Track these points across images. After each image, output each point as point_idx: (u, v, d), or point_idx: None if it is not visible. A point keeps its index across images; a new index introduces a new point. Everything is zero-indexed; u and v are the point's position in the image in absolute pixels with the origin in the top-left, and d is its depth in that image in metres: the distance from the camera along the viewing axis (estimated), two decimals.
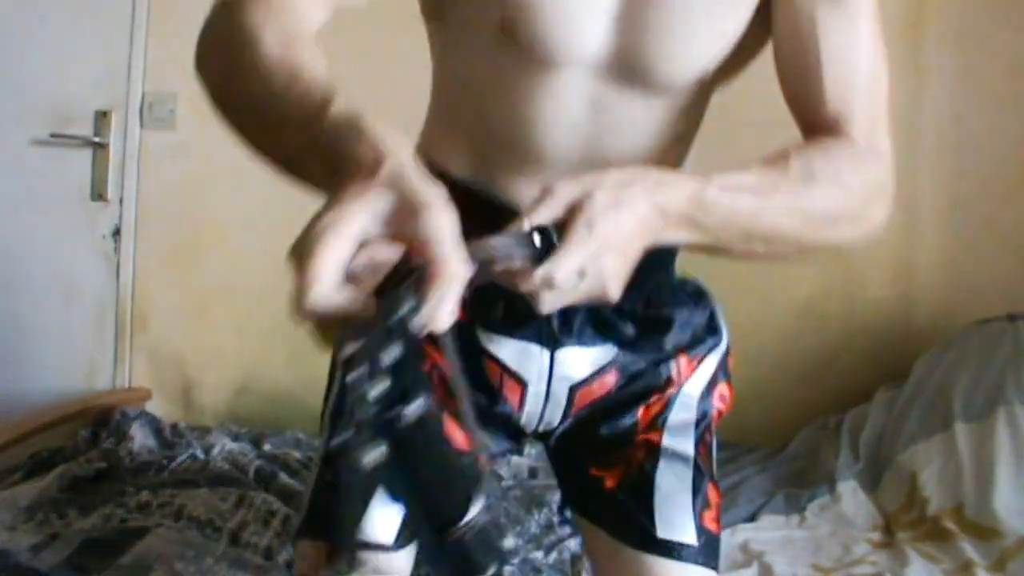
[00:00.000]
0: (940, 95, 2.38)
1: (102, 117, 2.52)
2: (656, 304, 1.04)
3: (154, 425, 2.21)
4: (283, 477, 1.87)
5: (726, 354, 1.09)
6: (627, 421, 1.04)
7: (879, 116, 0.94)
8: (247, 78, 0.72)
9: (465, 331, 0.98)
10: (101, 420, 2.19)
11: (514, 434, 1.05)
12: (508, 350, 1.00)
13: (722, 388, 1.09)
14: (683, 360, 1.05)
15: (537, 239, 0.69)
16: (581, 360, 1.01)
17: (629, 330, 1.02)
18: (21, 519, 1.65)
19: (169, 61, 2.50)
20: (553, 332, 0.99)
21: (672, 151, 1.01)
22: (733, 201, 0.80)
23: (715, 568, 1.02)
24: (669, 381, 1.04)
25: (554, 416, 1.03)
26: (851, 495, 1.84)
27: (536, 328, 0.99)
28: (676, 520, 1.00)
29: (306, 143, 0.65)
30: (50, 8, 2.49)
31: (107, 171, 2.53)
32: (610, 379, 1.03)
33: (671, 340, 1.04)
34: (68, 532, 1.60)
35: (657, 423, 1.04)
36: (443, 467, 0.56)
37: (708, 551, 1.01)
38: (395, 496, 0.54)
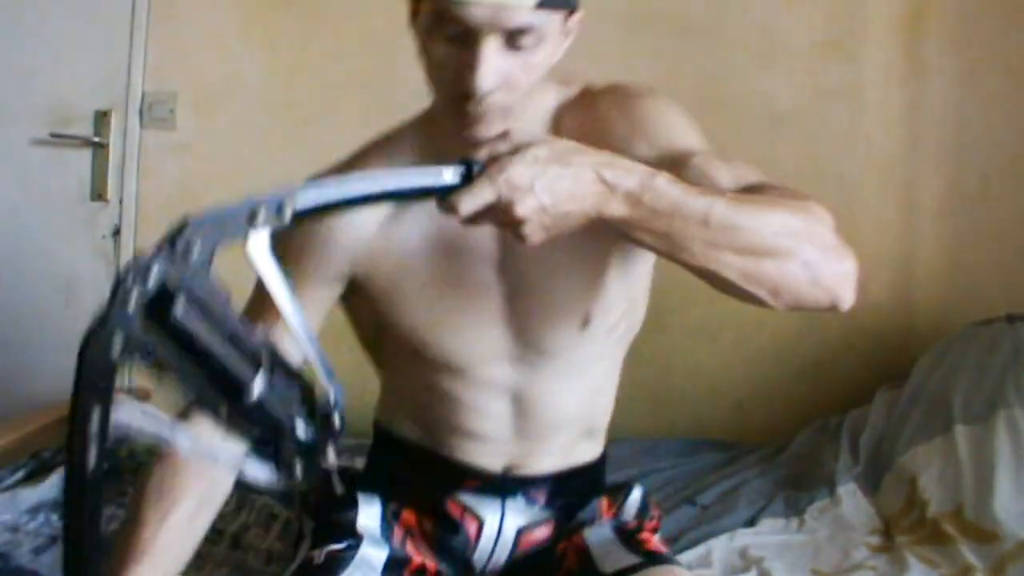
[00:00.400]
0: (940, 95, 2.36)
1: (102, 117, 2.51)
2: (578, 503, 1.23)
3: None
4: None
5: (645, 498, 1.27)
6: (560, 549, 1.21)
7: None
8: (126, 519, 1.05)
9: (436, 493, 1.20)
10: None
11: (466, 569, 1.21)
12: (468, 496, 1.19)
13: (650, 516, 1.26)
14: (604, 501, 1.24)
15: (453, 173, 0.77)
16: (524, 510, 1.20)
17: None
18: (22, 520, 1.65)
19: (169, 61, 2.50)
20: (502, 489, 1.18)
21: (596, 400, 1.21)
22: (683, 190, 0.82)
23: (676, 563, 1.18)
24: (594, 516, 1.23)
25: (502, 555, 1.21)
26: (851, 498, 1.83)
27: (491, 484, 1.18)
28: (616, 558, 1.15)
29: None
30: (50, 8, 2.49)
31: (107, 171, 2.52)
32: (547, 529, 1.21)
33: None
34: None
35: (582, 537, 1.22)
36: (224, 346, 0.67)
37: (661, 558, 1.15)
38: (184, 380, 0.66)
